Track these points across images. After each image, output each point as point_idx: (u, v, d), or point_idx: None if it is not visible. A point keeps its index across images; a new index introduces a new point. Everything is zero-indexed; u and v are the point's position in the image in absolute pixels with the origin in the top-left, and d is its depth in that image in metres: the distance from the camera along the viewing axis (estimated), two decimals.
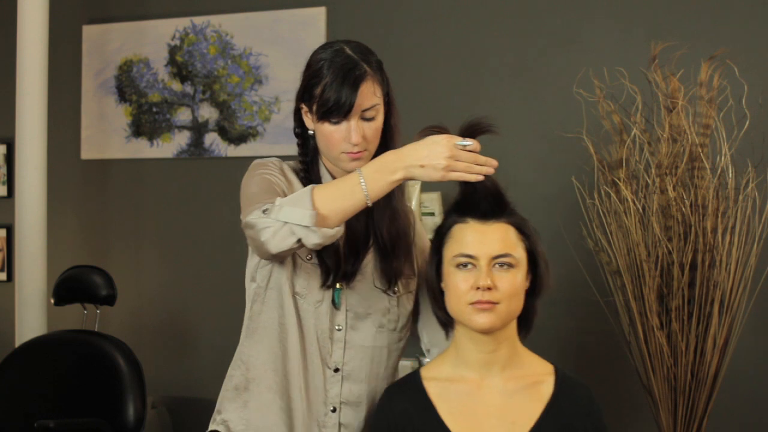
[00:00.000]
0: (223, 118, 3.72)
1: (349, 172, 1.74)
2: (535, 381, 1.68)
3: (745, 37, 3.09)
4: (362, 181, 1.61)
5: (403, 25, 3.51)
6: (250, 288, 1.83)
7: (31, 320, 3.46)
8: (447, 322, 1.71)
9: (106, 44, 3.90)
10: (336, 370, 1.79)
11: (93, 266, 3.29)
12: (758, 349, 3.04)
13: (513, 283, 1.62)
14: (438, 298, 1.70)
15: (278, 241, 1.59)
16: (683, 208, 2.62)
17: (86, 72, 3.94)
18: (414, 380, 1.71)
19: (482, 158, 1.63)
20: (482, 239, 1.62)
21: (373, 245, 1.82)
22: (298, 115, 1.83)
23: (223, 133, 3.73)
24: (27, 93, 3.50)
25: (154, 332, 3.83)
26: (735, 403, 3.02)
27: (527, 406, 1.65)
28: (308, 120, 1.79)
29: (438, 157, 1.60)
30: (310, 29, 3.59)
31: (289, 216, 1.57)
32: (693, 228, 2.60)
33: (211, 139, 3.75)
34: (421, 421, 1.66)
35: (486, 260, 1.61)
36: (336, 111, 1.70)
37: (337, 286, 1.79)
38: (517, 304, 1.65)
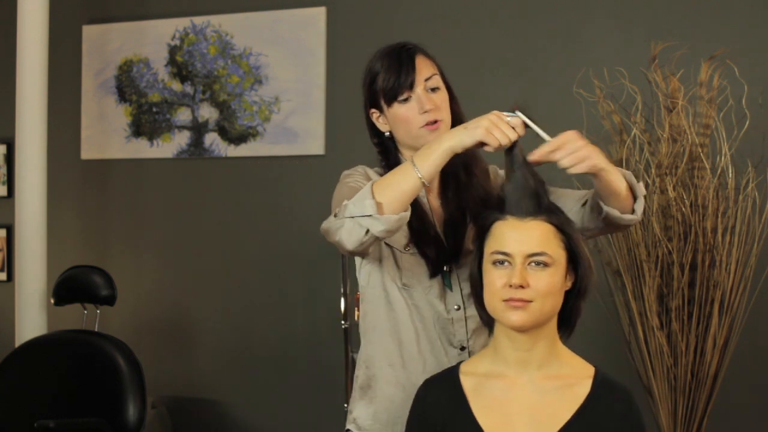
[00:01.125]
0: (223, 118, 3.72)
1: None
2: (572, 382, 1.66)
3: (745, 37, 3.09)
4: (413, 162, 1.67)
5: (403, 25, 3.51)
6: (362, 289, 1.93)
7: (31, 320, 3.46)
8: (488, 320, 1.71)
9: (106, 44, 3.90)
10: (462, 348, 1.86)
11: (93, 266, 3.28)
12: (758, 349, 3.04)
13: (548, 281, 1.61)
14: (480, 294, 1.70)
15: (349, 236, 1.66)
16: (683, 208, 2.62)
17: (86, 72, 3.94)
18: (452, 374, 1.73)
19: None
20: (519, 237, 1.62)
21: (471, 221, 1.86)
22: (370, 124, 1.92)
23: (223, 133, 3.73)
24: (27, 93, 3.50)
25: (154, 332, 3.83)
26: (735, 403, 3.02)
27: (560, 407, 1.63)
28: (381, 123, 1.88)
29: (480, 120, 1.67)
30: (310, 29, 3.59)
31: (353, 211, 1.65)
32: (693, 228, 2.61)
33: (211, 139, 3.75)
34: (452, 414, 1.66)
35: (521, 258, 1.61)
36: (402, 85, 1.81)
37: (445, 269, 1.86)
38: (553, 304, 1.63)
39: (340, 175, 1.91)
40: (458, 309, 1.86)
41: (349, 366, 3.20)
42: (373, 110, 1.89)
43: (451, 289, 1.86)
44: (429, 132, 1.81)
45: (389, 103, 1.83)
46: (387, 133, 1.89)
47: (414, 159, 1.67)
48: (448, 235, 1.86)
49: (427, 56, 1.90)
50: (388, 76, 1.83)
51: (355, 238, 1.66)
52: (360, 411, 1.90)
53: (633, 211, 1.76)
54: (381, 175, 1.87)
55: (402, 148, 1.90)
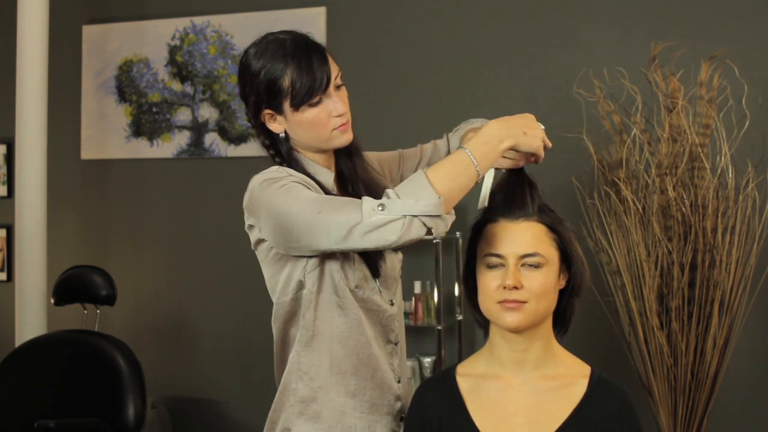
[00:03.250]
0: (223, 118, 3.72)
1: (336, 149, 1.75)
2: (568, 382, 1.66)
3: (745, 37, 3.09)
4: (471, 156, 1.58)
5: (403, 25, 3.51)
6: (296, 296, 1.75)
7: (31, 320, 3.46)
8: (484, 322, 1.71)
9: (106, 44, 3.90)
10: (395, 344, 1.81)
11: (93, 266, 3.28)
12: (758, 349, 3.04)
13: (542, 282, 1.61)
14: (473, 297, 1.70)
15: (409, 234, 1.53)
16: (683, 208, 2.62)
17: (86, 72, 3.94)
18: (448, 375, 1.73)
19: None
20: (511, 238, 1.62)
21: None
22: (261, 127, 1.78)
23: (223, 133, 3.73)
24: (27, 93, 3.50)
25: (154, 332, 3.83)
26: (735, 403, 3.02)
27: (556, 407, 1.64)
28: (276, 124, 1.74)
29: (537, 128, 1.65)
30: (310, 29, 3.51)
31: (414, 208, 1.53)
32: (693, 228, 2.60)
33: (211, 139, 3.75)
34: (449, 415, 1.66)
35: (514, 259, 1.61)
36: (318, 89, 1.67)
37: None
38: (547, 304, 1.64)
39: None
40: (392, 304, 1.79)
41: None
42: (268, 111, 1.73)
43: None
44: (341, 133, 1.72)
45: (297, 107, 1.69)
46: (282, 134, 1.74)
47: (473, 153, 1.58)
48: None
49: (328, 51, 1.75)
50: (303, 77, 1.67)
51: (413, 237, 1.54)
52: (304, 427, 1.73)
53: None
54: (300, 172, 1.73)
55: (300, 148, 1.76)
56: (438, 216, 1.54)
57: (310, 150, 1.77)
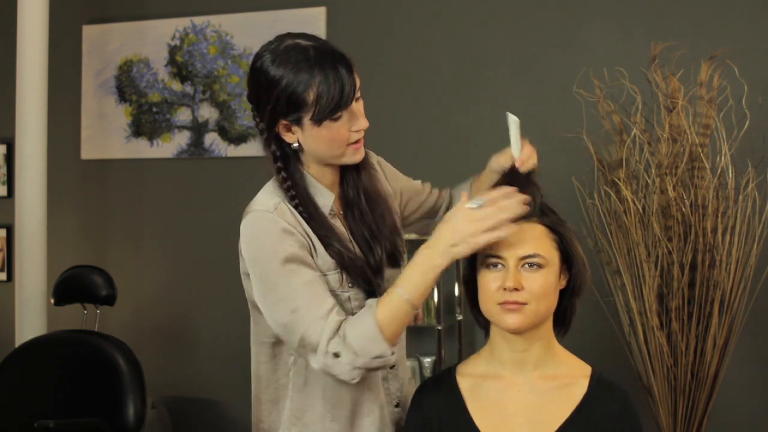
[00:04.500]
0: (223, 118, 3.72)
1: (346, 164, 1.71)
2: (568, 382, 1.66)
3: (745, 37, 3.09)
4: (406, 297, 1.59)
5: (403, 25, 3.51)
6: (279, 341, 1.79)
7: (31, 320, 3.46)
8: (484, 323, 1.71)
9: (106, 44, 3.90)
10: (392, 367, 1.79)
11: (93, 266, 3.28)
12: (758, 349, 3.04)
13: (542, 283, 1.61)
14: (474, 297, 1.70)
15: (361, 374, 1.60)
16: (683, 208, 2.62)
17: (86, 72, 3.94)
18: (448, 375, 1.73)
19: (503, 202, 1.58)
20: (511, 239, 1.61)
21: (377, 240, 1.78)
22: (274, 136, 1.68)
23: (223, 133, 3.73)
24: (27, 93, 3.50)
25: (154, 332, 3.83)
26: (735, 403, 3.02)
27: (557, 407, 1.64)
28: (290, 134, 1.67)
29: (462, 230, 1.56)
30: (310, 29, 3.53)
31: (365, 362, 1.57)
32: (693, 228, 2.60)
33: (211, 139, 3.75)
34: (449, 415, 1.66)
35: (514, 260, 1.61)
36: (344, 105, 1.61)
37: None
38: (548, 305, 1.64)
39: None
40: None
41: None
42: (284, 122, 1.64)
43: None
44: (353, 151, 1.67)
45: (320, 122, 1.61)
46: (295, 145, 1.67)
47: (408, 294, 1.58)
48: (367, 255, 1.74)
49: None
50: (328, 92, 1.59)
51: (364, 374, 1.60)
52: None
53: None
54: (289, 206, 1.69)
55: (308, 161, 1.71)
56: (391, 356, 1.59)
57: (319, 162, 1.72)
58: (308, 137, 1.65)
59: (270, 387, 1.89)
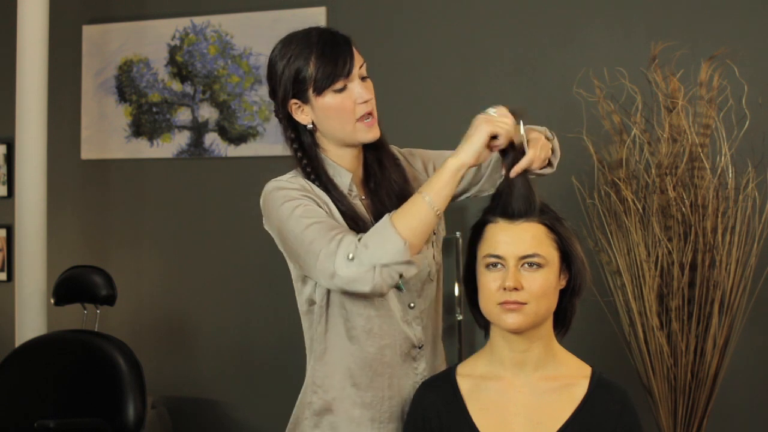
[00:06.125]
0: (223, 118, 3.72)
1: (363, 143, 1.75)
2: (568, 383, 1.66)
3: (745, 36, 3.09)
4: (426, 198, 1.60)
5: (403, 25, 3.51)
6: (310, 310, 1.79)
7: (31, 320, 3.46)
8: (484, 323, 1.71)
9: (106, 44, 3.90)
10: (420, 347, 1.79)
11: (93, 266, 3.28)
12: (758, 349, 3.04)
13: (542, 283, 1.61)
14: (474, 297, 1.70)
15: (383, 284, 1.57)
16: (683, 208, 2.62)
17: (86, 72, 3.94)
18: (448, 375, 1.73)
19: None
20: (510, 239, 1.62)
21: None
22: (288, 119, 1.78)
23: (223, 133, 3.73)
24: (27, 93, 3.50)
25: (154, 332, 3.83)
26: (735, 403, 3.02)
27: (557, 407, 1.64)
28: (303, 115, 1.75)
29: (477, 125, 1.62)
30: None
31: (383, 257, 1.56)
32: (693, 228, 2.61)
33: (211, 139, 3.75)
34: (449, 415, 1.66)
35: (514, 260, 1.61)
36: (340, 73, 1.69)
37: None
38: (547, 305, 1.64)
39: None
40: (413, 307, 1.78)
41: None
42: (294, 101, 1.73)
43: (402, 290, 1.75)
44: (366, 128, 1.72)
45: (320, 92, 1.70)
46: (310, 125, 1.75)
47: (427, 193, 1.60)
48: None
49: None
50: (323, 62, 1.68)
51: (388, 285, 1.58)
52: None
53: (550, 164, 1.81)
54: (313, 182, 1.74)
55: (325, 144, 1.78)
56: (407, 261, 1.57)
57: (336, 144, 1.76)
58: (318, 113, 1.73)
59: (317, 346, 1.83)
